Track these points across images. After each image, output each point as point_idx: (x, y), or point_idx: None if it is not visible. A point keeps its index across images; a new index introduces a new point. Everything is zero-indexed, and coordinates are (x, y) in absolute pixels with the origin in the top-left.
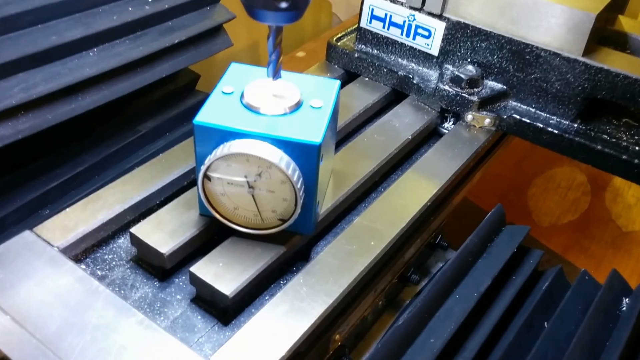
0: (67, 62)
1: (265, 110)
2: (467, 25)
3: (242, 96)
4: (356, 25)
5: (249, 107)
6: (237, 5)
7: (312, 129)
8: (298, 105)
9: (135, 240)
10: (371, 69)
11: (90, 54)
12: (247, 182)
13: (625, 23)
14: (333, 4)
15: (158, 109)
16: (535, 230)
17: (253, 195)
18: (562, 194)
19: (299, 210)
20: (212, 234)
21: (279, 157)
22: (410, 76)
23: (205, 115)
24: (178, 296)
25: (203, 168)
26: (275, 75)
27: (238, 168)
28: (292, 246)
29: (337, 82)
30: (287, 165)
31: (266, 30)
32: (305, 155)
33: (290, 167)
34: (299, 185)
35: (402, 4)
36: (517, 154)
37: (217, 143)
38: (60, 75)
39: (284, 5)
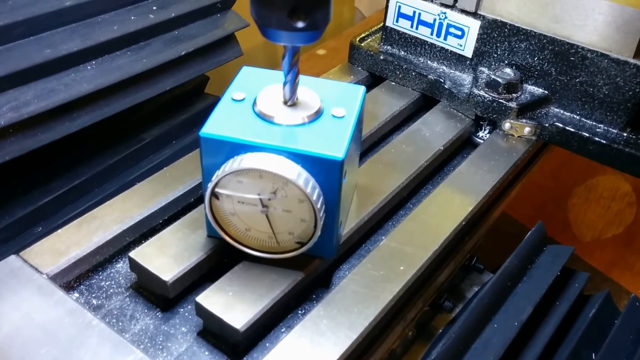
0: (62, 77)
1: (281, 119)
2: (504, 24)
3: (254, 104)
4: (381, 25)
5: (262, 117)
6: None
7: (334, 142)
8: (318, 115)
9: (134, 266)
10: (398, 72)
11: (88, 67)
12: (261, 200)
13: None
14: None
15: (164, 114)
16: (576, 246)
17: (267, 215)
18: (605, 205)
19: (319, 232)
20: (221, 259)
21: (296, 173)
22: (442, 80)
23: (213, 126)
24: (183, 329)
25: (210, 185)
26: (291, 98)
27: (250, 185)
28: (311, 271)
29: (362, 89)
30: (306, 183)
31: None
32: (327, 171)
33: (310, 184)
34: (319, 205)
35: (432, 0)
36: (556, 162)
37: (226, 157)
38: (55, 92)
39: (301, 25)
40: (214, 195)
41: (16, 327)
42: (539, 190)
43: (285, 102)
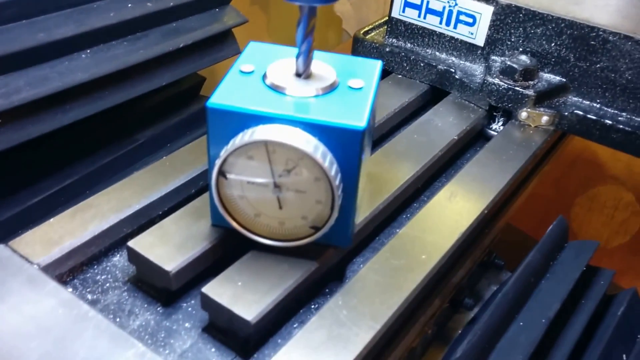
0: (56, 65)
1: (294, 91)
2: (519, 9)
3: (264, 76)
4: (385, 19)
5: (273, 88)
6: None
7: (353, 112)
8: (334, 87)
9: (133, 256)
10: (405, 64)
11: (83, 55)
12: (273, 181)
13: None
14: (343, 20)
15: (158, 115)
16: None
17: (279, 198)
18: (609, 215)
19: (335, 214)
20: (228, 248)
21: (313, 146)
22: (452, 70)
23: (221, 97)
24: (187, 324)
25: (218, 162)
26: (305, 70)
27: (261, 162)
28: (325, 261)
29: (379, 62)
30: (324, 156)
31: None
32: (346, 144)
33: (327, 158)
34: (337, 182)
35: None
36: (555, 172)
37: (236, 130)
38: (48, 80)
39: None
40: (222, 175)
41: (6, 320)
42: (540, 200)
43: (298, 75)
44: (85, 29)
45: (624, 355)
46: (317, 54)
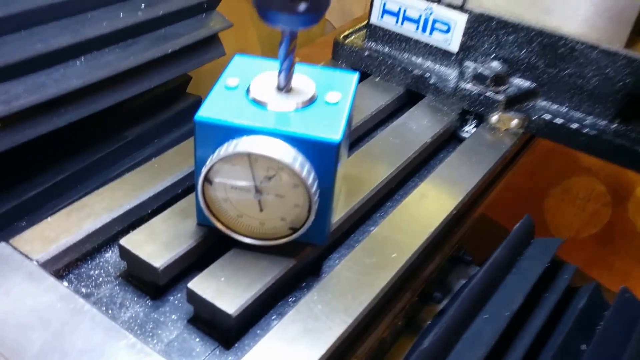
0: (52, 72)
1: (275, 105)
2: (491, 18)
3: (248, 90)
4: (365, 22)
5: (256, 102)
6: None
7: (329, 125)
8: (312, 100)
9: (124, 253)
10: (383, 68)
11: (77, 63)
12: (255, 185)
13: None
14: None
15: (146, 113)
16: None
17: (260, 201)
18: (581, 206)
19: (312, 217)
20: (212, 246)
21: (292, 157)
22: (427, 75)
23: (208, 111)
24: (173, 316)
25: (204, 170)
26: (286, 86)
27: (244, 170)
28: (302, 259)
29: (356, 75)
30: (302, 166)
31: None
32: (323, 155)
33: (305, 168)
34: (314, 189)
35: None
36: (531, 164)
37: (220, 141)
38: (45, 87)
39: (302, 7)
40: (207, 181)
41: (8, 312)
42: (514, 191)
43: (279, 89)
44: (80, 39)
45: (584, 346)
46: (297, 67)
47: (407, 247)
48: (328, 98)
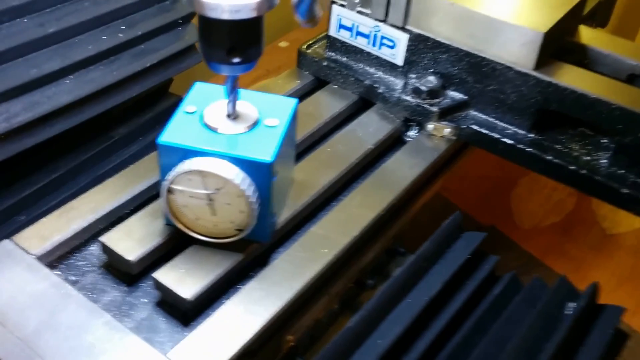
0: (45, 91)
1: (224, 130)
2: (428, 38)
3: (202, 116)
4: (326, 33)
5: (208, 127)
6: None
7: (265, 147)
8: (255, 125)
9: (105, 248)
10: (339, 77)
11: (67, 81)
12: (207, 195)
13: (585, 34)
14: None
15: (131, 114)
16: (515, 233)
17: (212, 207)
18: (547, 195)
19: (254, 222)
20: (176, 243)
21: (234, 174)
22: (376, 85)
23: (169, 135)
24: (144, 300)
25: (166, 183)
26: (233, 113)
27: (198, 182)
28: (249, 254)
29: (294, 101)
30: (243, 181)
31: None
32: (259, 172)
33: (246, 183)
34: (254, 199)
35: (367, 15)
36: None
37: (179, 160)
38: (39, 104)
39: (237, 60)
40: (169, 191)
41: (12, 296)
42: (485, 180)
43: (228, 116)
44: (69, 62)
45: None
46: (245, 93)
47: (336, 244)
48: (267, 122)
